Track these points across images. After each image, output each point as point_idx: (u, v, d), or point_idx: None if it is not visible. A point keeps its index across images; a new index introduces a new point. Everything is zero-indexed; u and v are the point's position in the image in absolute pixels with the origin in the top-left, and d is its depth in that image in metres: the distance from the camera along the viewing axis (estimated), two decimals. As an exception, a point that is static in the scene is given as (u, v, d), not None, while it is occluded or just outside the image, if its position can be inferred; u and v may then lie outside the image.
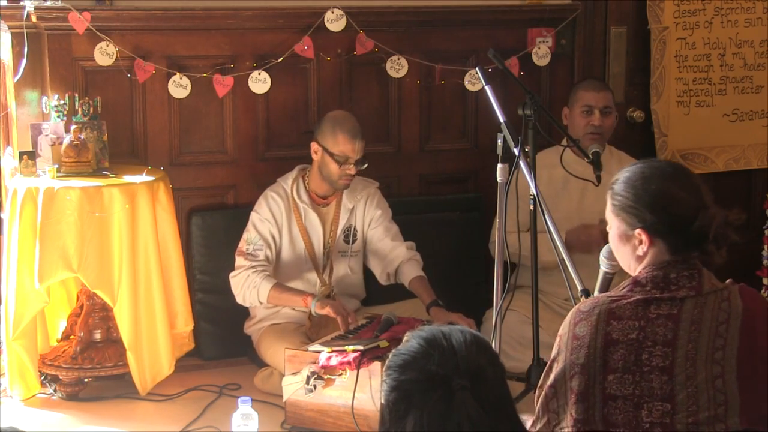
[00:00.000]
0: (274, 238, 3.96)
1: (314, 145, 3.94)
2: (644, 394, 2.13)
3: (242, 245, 3.94)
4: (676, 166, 2.32)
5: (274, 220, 3.97)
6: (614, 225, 2.31)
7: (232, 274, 3.92)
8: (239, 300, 3.92)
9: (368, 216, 4.09)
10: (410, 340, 1.75)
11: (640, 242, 2.25)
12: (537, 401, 2.26)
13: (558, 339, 2.25)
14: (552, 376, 2.22)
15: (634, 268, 2.29)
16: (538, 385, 2.27)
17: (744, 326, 2.15)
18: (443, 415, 1.65)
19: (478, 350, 1.72)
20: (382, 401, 1.74)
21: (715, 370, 2.12)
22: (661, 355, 2.14)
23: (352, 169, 3.89)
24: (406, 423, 1.67)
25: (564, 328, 2.24)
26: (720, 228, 2.20)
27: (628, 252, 2.29)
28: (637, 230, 2.25)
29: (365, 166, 3.93)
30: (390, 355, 1.77)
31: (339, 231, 4.05)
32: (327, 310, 3.71)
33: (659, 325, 2.15)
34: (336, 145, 3.87)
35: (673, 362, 2.13)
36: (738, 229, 2.25)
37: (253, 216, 3.98)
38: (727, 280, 2.24)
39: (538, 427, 2.22)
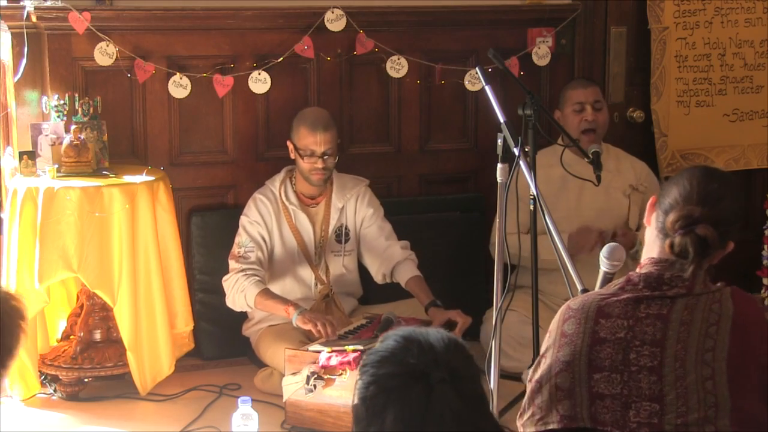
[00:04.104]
0: (264, 240, 3.96)
1: (289, 144, 3.97)
2: (632, 393, 2.11)
3: (234, 249, 3.94)
4: (725, 179, 2.26)
5: (263, 222, 3.97)
6: None
7: (224, 277, 3.92)
8: (229, 303, 3.92)
9: (360, 215, 4.09)
10: (386, 340, 1.74)
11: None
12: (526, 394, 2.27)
13: (548, 335, 2.25)
14: (539, 371, 2.23)
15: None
16: (528, 378, 2.27)
17: (734, 328, 2.13)
18: (424, 408, 1.63)
19: (456, 349, 1.71)
20: (357, 399, 1.71)
21: (705, 372, 2.10)
22: (649, 355, 2.12)
23: (318, 163, 3.89)
24: (385, 417, 1.65)
25: (554, 324, 2.25)
26: (693, 245, 2.14)
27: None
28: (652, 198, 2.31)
29: (336, 159, 3.94)
30: (365, 354, 1.76)
31: (330, 231, 4.05)
32: (309, 327, 3.69)
33: (648, 324, 2.14)
34: (300, 140, 3.90)
35: (661, 362, 2.11)
36: (723, 261, 2.21)
37: (243, 219, 3.98)
38: (719, 283, 2.22)
39: (524, 419, 2.22)
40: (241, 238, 3.94)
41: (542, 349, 2.26)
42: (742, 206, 2.27)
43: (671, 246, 2.17)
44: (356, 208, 4.08)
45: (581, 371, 2.15)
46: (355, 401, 1.72)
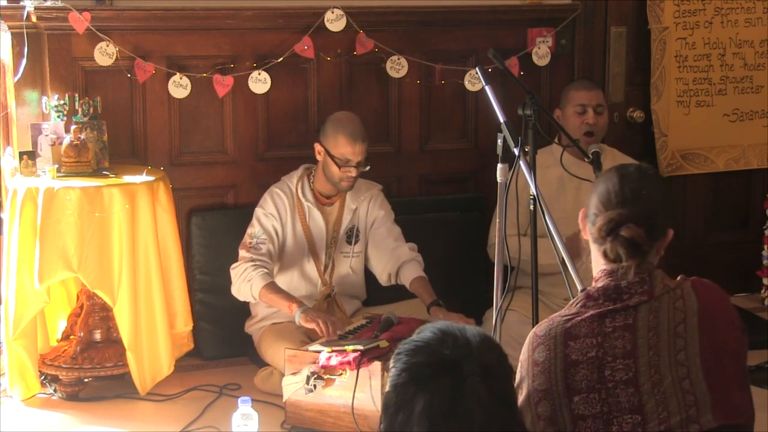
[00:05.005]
0: (277, 233, 3.97)
1: (317, 146, 3.96)
2: (612, 409, 2.09)
3: (246, 239, 3.95)
4: (640, 174, 2.25)
5: (279, 215, 3.98)
6: None
7: (232, 265, 3.91)
8: (234, 291, 3.91)
9: (371, 217, 4.10)
10: (423, 331, 1.75)
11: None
12: None
13: (520, 364, 2.22)
14: (518, 402, 2.18)
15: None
16: None
17: (702, 322, 2.12)
18: (453, 400, 1.64)
19: (490, 346, 1.73)
20: (389, 386, 1.72)
21: (680, 372, 2.09)
22: (623, 369, 2.10)
23: (352, 172, 3.89)
24: (414, 405, 1.66)
25: (524, 353, 2.22)
26: (623, 247, 2.14)
27: None
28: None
29: (368, 168, 3.94)
30: (400, 344, 1.76)
31: (342, 231, 4.05)
32: (312, 325, 3.69)
33: (617, 338, 2.12)
34: (336, 148, 3.88)
35: (636, 373, 2.09)
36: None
37: (258, 211, 3.99)
38: (678, 277, 2.20)
39: None
40: (254, 229, 3.95)
41: (517, 380, 2.22)
42: (665, 193, 2.24)
43: (605, 254, 2.16)
44: (368, 209, 4.10)
45: (560, 397, 2.13)
46: (387, 388, 1.73)
